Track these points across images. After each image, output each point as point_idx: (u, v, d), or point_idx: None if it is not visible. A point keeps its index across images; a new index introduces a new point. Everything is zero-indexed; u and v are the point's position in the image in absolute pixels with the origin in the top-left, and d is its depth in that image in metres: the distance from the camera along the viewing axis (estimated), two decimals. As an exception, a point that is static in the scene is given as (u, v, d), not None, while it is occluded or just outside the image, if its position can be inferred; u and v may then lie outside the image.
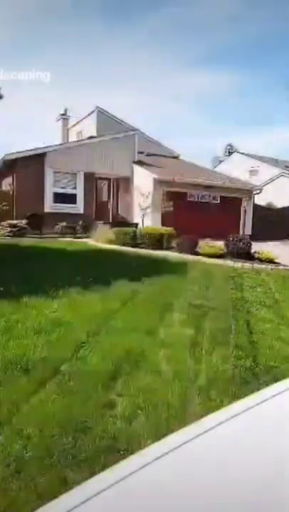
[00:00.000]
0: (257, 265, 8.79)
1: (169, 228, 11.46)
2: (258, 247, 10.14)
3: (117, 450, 2.02)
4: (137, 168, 16.28)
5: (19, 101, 58.59)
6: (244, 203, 17.97)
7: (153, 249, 10.44)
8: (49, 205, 14.60)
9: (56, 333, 3.66)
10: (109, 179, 16.84)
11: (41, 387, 2.63)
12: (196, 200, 16.79)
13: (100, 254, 9.56)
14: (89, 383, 2.68)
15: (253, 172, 27.46)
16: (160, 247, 10.57)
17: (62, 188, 15.08)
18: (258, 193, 19.28)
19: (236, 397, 2.62)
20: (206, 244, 10.17)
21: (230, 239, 9.82)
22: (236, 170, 25.19)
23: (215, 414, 1.01)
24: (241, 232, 16.84)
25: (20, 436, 2.10)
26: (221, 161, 35.01)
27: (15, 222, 12.80)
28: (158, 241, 10.65)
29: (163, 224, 13.65)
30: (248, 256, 9.55)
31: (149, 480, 0.74)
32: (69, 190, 15.26)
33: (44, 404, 2.43)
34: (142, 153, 18.19)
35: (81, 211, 15.37)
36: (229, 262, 8.96)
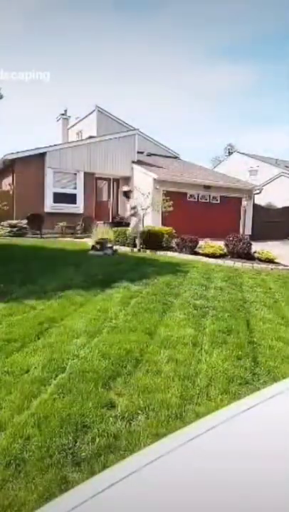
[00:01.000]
0: (257, 265, 8.79)
1: (168, 228, 11.46)
2: (258, 247, 10.14)
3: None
4: (137, 168, 16.29)
5: (19, 100, 58.60)
6: (244, 203, 17.98)
7: (153, 249, 10.44)
8: (49, 205, 14.61)
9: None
10: (109, 179, 16.85)
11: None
12: (196, 200, 16.81)
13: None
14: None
15: (253, 172, 27.47)
16: (160, 247, 10.57)
17: (63, 187, 15.09)
18: (258, 193, 19.30)
19: (236, 396, 2.62)
20: (205, 244, 10.17)
21: (230, 239, 9.82)
22: (236, 170, 25.20)
23: (215, 414, 1.01)
24: (241, 232, 16.85)
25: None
26: (221, 161, 35.01)
27: (15, 222, 12.82)
28: (158, 241, 10.65)
29: (163, 224, 13.66)
30: (248, 256, 9.56)
31: (149, 480, 0.74)
32: (69, 190, 15.27)
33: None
34: (141, 153, 18.20)
35: (81, 211, 15.38)
36: (229, 262, 8.97)
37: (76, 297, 5.03)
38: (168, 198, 13.95)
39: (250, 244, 9.75)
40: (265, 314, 4.78)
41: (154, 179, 15.06)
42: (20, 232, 12.47)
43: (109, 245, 9.45)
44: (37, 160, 14.31)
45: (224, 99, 78.44)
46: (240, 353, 3.41)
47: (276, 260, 9.36)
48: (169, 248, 10.59)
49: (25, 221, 13.00)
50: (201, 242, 10.38)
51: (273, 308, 5.10)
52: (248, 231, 17.85)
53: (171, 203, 13.60)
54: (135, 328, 3.91)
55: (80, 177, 15.42)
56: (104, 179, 16.77)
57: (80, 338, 3.59)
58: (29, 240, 11.55)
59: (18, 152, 14.02)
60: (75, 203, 15.34)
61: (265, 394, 1.06)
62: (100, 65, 58.16)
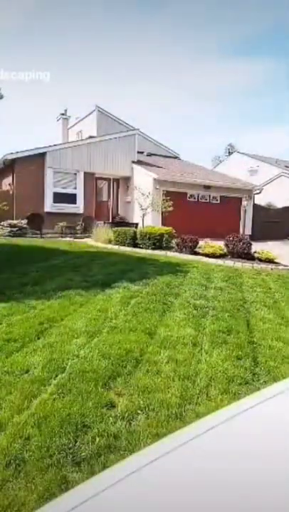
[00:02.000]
0: (257, 265, 8.79)
1: (168, 228, 11.47)
2: (258, 247, 10.15)
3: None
4: (137, 168, 16.29)
5: (19, 100, 58.60)
6: (244, 203, 17.98)
7: (153, 249, 10.45)
8: (49, 205, 14.62)
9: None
10: (109, 179, 16.85)
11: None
12: (196, 200, 16.82)
13: (100, 254, 9.55)
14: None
15: (253, 172, 27.47)
16: (160, 247, 10.58)
17: (63, 187, 15.09)
18: (258, 193, 19.29)
19: (236, 396, 2.62)
20: (205, 244, 10.17)
21: (230, 239, 9.83)
22: (236, 170, 25.20)
23: (215, 414, 1.01)
24: (241, 232, 16.86)
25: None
26: (221, 161, 35.01)
27: (15, 222, 12.83)
28: (158, 241, 10.65)
29: (163, 224, 13.66)
30: (248, 256, 9.56)
31: (149, 480, 0.74)
32: (69, 190, 15.27)
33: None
34: (142, 153, 18.20)
35: (81, 211, 15.38)
36: (229, 262, 8.97)
37: (76, 297, 5.03)
38: (168, 198, 13.96)
39: (250, 244, 9.75)
40: (265, 314, 4.78)
41: (154, 179, 15.07)
42: (20, 232, 12.49)
43: None
44: (37, 160, 14.31)
45: (224, 99, 78.44)
46: (240, 353, 3.41)
47: (276, 260, 9.36)
48: (169, 248, 10.59)
49: (25, 221, 13.01)
50: (201, 242, 10.38)
51: (273, 308, 5.10)
52: (248, 231, 17.86)
53: (171, 203, 13.61)
54: (135, 328, 3.91)
55: (80, 177, 15.42)
56: (105, 179, 16.78)
57: (80, 338, 3.59)
58: (29, 240, 11.55)
59: (18, 152, 14.02)
60: (75, 202, 15.34)
61: (265, 394, 1.06)
62: (100, 65, 58.11)
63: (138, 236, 10.91)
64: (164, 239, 10.78)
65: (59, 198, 14.86)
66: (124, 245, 10.95)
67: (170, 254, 9.94)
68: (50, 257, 8.33)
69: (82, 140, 16.67)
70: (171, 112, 77.30)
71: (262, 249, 9.86)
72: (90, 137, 16.78)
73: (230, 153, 37.29)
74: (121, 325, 4.02)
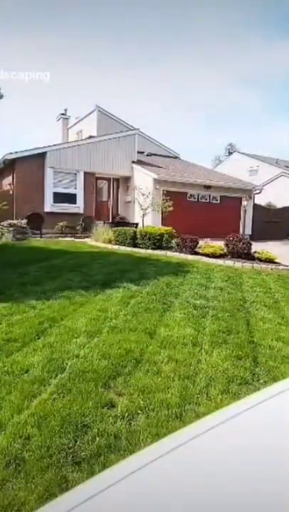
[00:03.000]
0: (257, 265, 8.79)
1: (168, 228, 11.47)
2: (258, 247, 10.15)
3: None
4: (137, 168, 16.29)
5: (19, 100, 58.58)
6: (244, 203, 17.98)
7: (153, 249, 10.45)
8: (49, 205, 14.62)
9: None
10: (109, 179, 16.86)
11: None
12: (196, 200, 16.82)
13: (100, 254, 9.55)
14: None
15: (253, 172, 27.47)
16: (160, 247, 10.58)
17: (63, 187, 15.09)
18: (258, 193, 19.30)
19: (236, 396, 2.62)
20: (205, 244, 10.17)
21: (230, 239, 9.82)
22: (236, 170, 25.21)
23: (215, 414, 1.01)
24: (241, 232, 16.87)
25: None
26: (221, 161, 35.01)
27: (15, 221, 12.83)
28: (158, 241, 10.65)
29: (163, 224, 13.67)
30: (248, 256, 9.56)
31: (149, 480, 0.74)
32: (69, 190, 15.27)
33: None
34: (142, 153, 18.20)
35: (81, 211, 15.38)
36: (229, 262, 8.97)
37: (76, 297, 5.03)
38: (168, 197, 13.96)
39: (250, 244, 9.75)
40: (265, 314, 4.78)
41: (154, 179, 15.07)
42: (20, 236, 12.52)
43: None
44: (37, 160, 14.31)
45: (225, 99, 78.41)
46: (240, 352, 3.41)
47: (276, 260, 9.36)
48: (169, 248, 10.59)
49: (25, 221, 13.02)
50: (201, 242, 10.38)
51: (273, 308, 5.10)
52: (248, 231, 17.86)
53: (171, 202, 13.60)
54: (135, 328, 3.91)
55: (80, 177, 15.42)
56: (105, 179, 16.78)
57: (80, 337, 3.60)
58: (30, 240, 11.56)
59: (18, 152, 14.02)
60: (75, 202, 15.34)
61: (265, 394, 1.06)
62: (100, 64, 58.12)
63: (138, 236, 10.91)
64: (164, 239, 10.78)
65: (59, 197, 14.87)
66: (124, 245, 10.95)
67: (170, 254, 9.94)
68: (50, 257, 8.33)
69: (82, 140, 16.67)
70: (171, 111, 77.37)
71: (262, 249, 9.86)
72: (90, 137, 16.78)
73: (230, 153, 37.30)
74: (121, 325, 4.02)
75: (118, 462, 0.82)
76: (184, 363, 3.11)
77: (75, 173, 15.35)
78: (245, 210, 18.06)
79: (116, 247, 10.89)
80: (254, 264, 8.81)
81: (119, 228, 11.82)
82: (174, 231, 11.27)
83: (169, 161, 19.81)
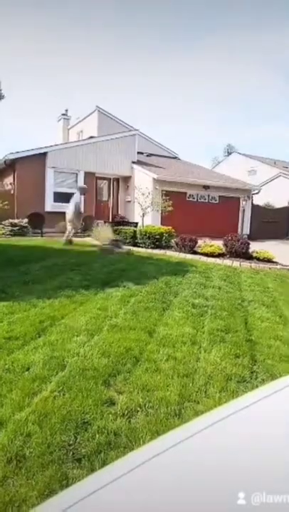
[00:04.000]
0: (255, 264, 8.82)
1: (168, 227, 11.49)
2: (256, 247, 10.17)
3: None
4: (137, 168, 16.31)
5: (20, 100, 58.53)
6: (243, 203, 18.01)
7: (152, 248, 10.47)
8: (50, 205, 14.63)
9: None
10: (109, 179, 16.86)
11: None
12: (195, 199, 16.84)
13: (100, 253, 9.56)
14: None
15: (251, 172, 27.49)
16: (159, 246, 10.60)
17: (63, 187, 15.09)
18: (256, 193, 19.32)
19: (234, 394, 2.65)
20: (204, 244, 10.20)
21: (229, 238, 9.85)
22: (235, 170, 25.22)
23: (214, 412, 1.03)
24: (240, 232, 16.89)
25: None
26: (220, 161, 35.01)
27: (16, 221, 12.88)
28: (157, 240, 10.68)
29: (162, 223, 13.68)
30: (246, 255, 9.59)
31: (149, 477, 0.75)
32: (70, 190, 15.26)
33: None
34: (142, 153, 18.21)
35: (81, 210, 15.36)
36: (227, 261, 8.99)
37: (76, 296, 5.05)
38: (167, 197, 13.97)
39: (249, 244, 9.78)
40: (263, 313, 4.81)
41: (154, 179, 15.09)
42: (21, 231, 12.56)
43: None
44: (38, 160, 14.32)
45: (224, 99, 78.41)
46: (238, 351, 3.44)
47: (274, 260, 9.39)
48: (169, 247, 10.61)
49: (26, 220, 13.05)
50: (200, 242, 10.41)
51: (271, 307, 5.12)
52: (247, 231, 17.89)
53: (170, 202, 13.62)
54: (135, 327, 3.94)
55: (81, 177, 15.43)
56: (105, 179, 16.78)
57: (80, 336, 3.62)
58: (30, 239, 11.56)
59: (19, 152, 14.02)
60: (75, 202, 15.33)
61: (263, 392, 1.06)
62: (100, 64, 58.04)
63: (138, 235, 10.93)
64: (164, 238, 10.80)
65: (60, 197, 14.85)
66: (124, 245, 10.96)
67: (169, 253, 9.96)
68: (51, 256, 8.34)
69: (82, 140, 16.67)
70: (171, 111, 77.30)
71: (260, 249, 9.89)
72: (91, 137, 16.78)
73: (229, 154, 37.29)
74: (121, 323, 4.05)
75: (118, 459, 0.84)
76: (182, 361, 3.14)
77: (76, 173, 15.36)
78: (243, 210, 18.09)
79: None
80: (252, 264, 8.84)
81: (119, 228, 11.85)
82: (174, 230, 11.29)
83: (169, 161, 19.82)
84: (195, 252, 9.91)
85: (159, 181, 15.18)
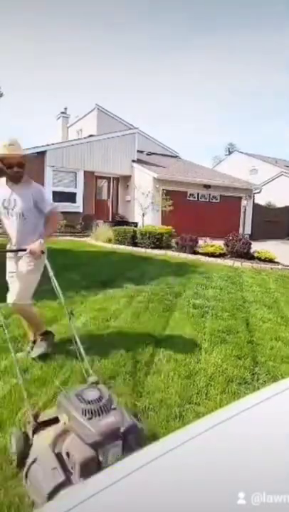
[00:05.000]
0: (256, 264, 8.79)
1: (168, 227, 11.47)
2: (257, 247, 10.15)
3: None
4: (137, 167, 16.28)
5: (19, 99, 58.55)
6: (244, 203, 17.98)
7: (153, 248, 10.45)
8: (49, 204, 14.60)
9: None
10: (109, 178, 16.84)
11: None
12: (196, 199, 16.81)
13: (99, 253, 9.55)
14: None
15: (253, 171, 27.46)
16: (160, 246, 10.58)
17: (62, 186, 15.08)
18: (257, 193, 19.29)
19: (235, 396, 2.62)
20: (205, 244, 10.18)
21: (230, 238, 9.83)
22: (236, 169, 25.19)
23: (214, 414, 1.01)
24: (241, 232, 16.86)
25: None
26: (221, 160, 34.98)
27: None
28: (158, 240, 10.65)
29: (163, 223, 13.66)
30: (248, 255, 9.56)
31: (149, 479, 0.74)
32: (69, 189, 15.25)
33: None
34: (142, 152, 18.18)
35: (81, 210, 15.37)
36: (229, 261, 8.97)
37: (75, 296, 5.03)
38: (168, 197, 13.96)
39: (250, 244, 9.75)
40: (265, 314, 4.78)
41: (154, 178, 15.06)
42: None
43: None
44: (36, 159, 14.29)
45: (224, 99, 78.34)
46: (239, 352, 3.41)
47: (276, 260, 9.37)
48: (169, 247, 10.59)
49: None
50: (201, 242, 10.39)
51: (273, 308, 5.10)
52: (248, 230, 17.86)
53: (171, 202, 13.60)
54: (135, 328, 3.92)
55: (80, 176, 15.41)
56: (104, 178, 16.76)
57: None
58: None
59: (18, 151, 14.00)
60: (74, 201, 15.33)
61: (265, 394, 1.06)
62: (100, 65, 58.06)
63: (138, 235, 10.91)
64: (164, 238, 10.78)
65: (59, 196, 14.85)
66: (124, 244, 10.95)
67: (170, 253, 9.94)
68: (49, 257, 8.31)
69: (82, 139, 16.65)
70: (171, 111, 77.27)
71: (262, 249, 9.86)
72: (90, 136, 16.76)
73: (230, 153, 37.26)
74: (121, 324, 4.02)
75: (117, 461, 0.83)
76: (183, 363, 3.12)
77: (75, 172, 15.34)
78: (244, 210, 18.06)
79: (116, 246, 10.88)
80: (254, 264, 8.82)
81: (119, 227, 11.83)
82: (174, 230, 11.27)
83: (169, 160, 19.80)
84: (196, 252, 9.89)
85: (159, 180, 15.15)
